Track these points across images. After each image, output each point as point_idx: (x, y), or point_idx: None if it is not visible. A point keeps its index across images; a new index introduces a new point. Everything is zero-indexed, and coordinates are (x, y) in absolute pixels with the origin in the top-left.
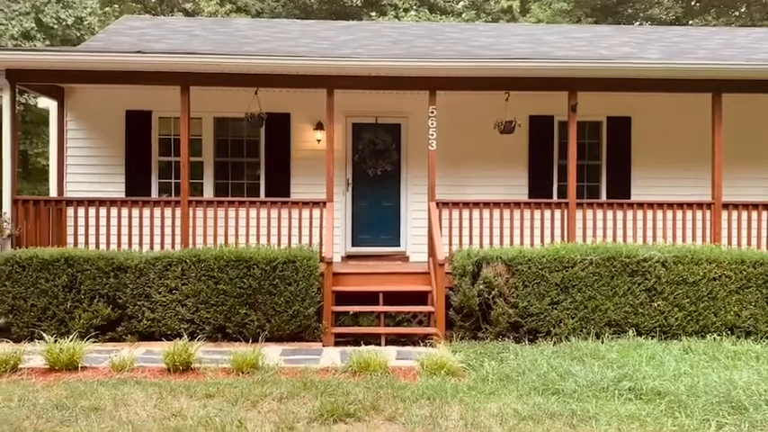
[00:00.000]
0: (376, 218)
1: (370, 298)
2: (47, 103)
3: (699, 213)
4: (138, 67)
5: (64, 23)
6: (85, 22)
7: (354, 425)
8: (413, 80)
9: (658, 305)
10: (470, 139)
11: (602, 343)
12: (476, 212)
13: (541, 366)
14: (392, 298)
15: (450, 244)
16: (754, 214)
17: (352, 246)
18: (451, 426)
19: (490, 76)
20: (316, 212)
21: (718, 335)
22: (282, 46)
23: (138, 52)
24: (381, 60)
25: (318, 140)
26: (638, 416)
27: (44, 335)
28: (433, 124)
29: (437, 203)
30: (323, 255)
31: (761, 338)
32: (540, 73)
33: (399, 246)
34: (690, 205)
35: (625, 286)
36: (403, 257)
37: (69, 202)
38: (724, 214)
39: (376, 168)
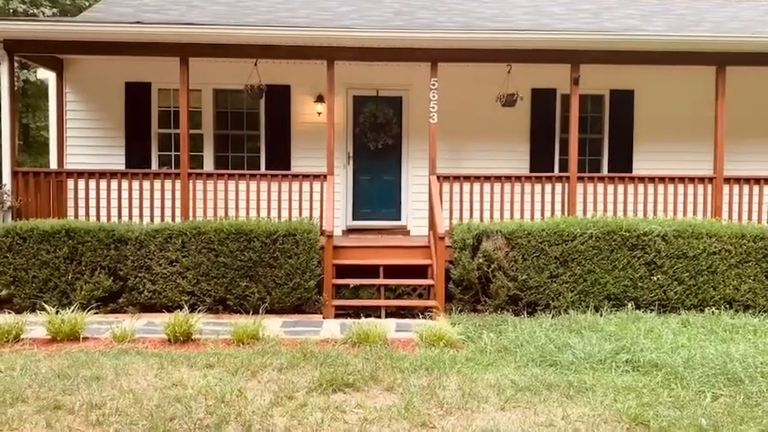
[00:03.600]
0: (377, 191)
1: (371, 271)
2: (46, 75)
3: (700, 187)
4: (137, 38)
5: None
6: None
7: (353, 394)
8: (414, 52)
9: (658, 279)
10: (472, 112)
11: (601, 316)
12: (476, 186)
13: (539, 338)
14: (392, 271)
15: (451, 218)
16: (756, 189)
17: (353, 219)
18: (449, 396)
19: (492, 48)
20: (316, 186)
21: (717, 308)
22: (283, 17)
23: (137, 23)
24: (382, 31)
25: (319, 113)
26: (635, 387)
27: (46, 306)
28: (434, 97)
29: (438, 177)
30: (323, 228)
31: (759, 312)
32: (543, 45)
33: (400, 219)
34: (691, 179)
35: (625, 260)
36: (404, 231)
37: (69, 174)
38: (725, 188)
39: (377, 142)
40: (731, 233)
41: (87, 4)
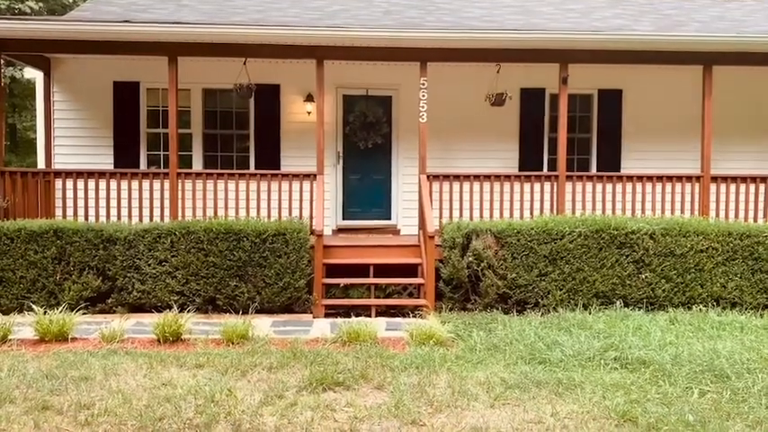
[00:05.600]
0: (367, 191)
1: (361, 270)
2: (33, 74)
3: (688, 186)
4: (126, 36)
5: None
6: None
7: (343, 393)
8: (403, 51)
9: (646, 277)
10: (461, 112)
11: (590, 314)
12: (466, 185)
13: (529, 336)
14: (382, 270)
15: (441, 216)
16: (743, 187)
17: (343, 219)
18: (439, 394)
19: (481, 48)
20: (306, 185)
21: (704, 306)
22: (272, 16)
23: (126, 22)
24: (372, 31)
25: (309, 112)
26: (623, 384)
27: (34, 306)
28: (423, 96)
29: (428, 176)
30: (313, 227)
31: (746, 309)
32: (532, 45)
33: (390, 219)
34: (679, 178)
35: (613, 258)
36: (394, 230)
37: (57, 173)
38: (712, 187)
39: (367, 141)
40: (718, 231)
41: (71, 1)
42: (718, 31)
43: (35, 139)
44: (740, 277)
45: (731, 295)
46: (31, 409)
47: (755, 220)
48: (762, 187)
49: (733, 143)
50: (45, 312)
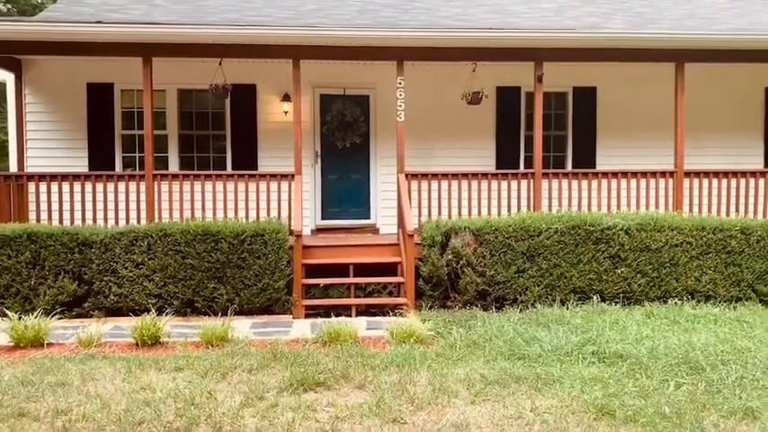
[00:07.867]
0: (345, 190)
1: (341, 270)
2: (4, 76)
3: (662, 182)
4: (98, 37)
5: None
6: None
7: (324, 393)
8: (380, 50)
9: (622, 272)
10: (439, 111)
11: (567, 309)
12: (444, 183)
13: (508, 333)
14: (362, 269)
15: (420, 215)
16: (715, 182)
17: (322, 219)
18: (420, 391)
19: (457, 47)
20: (284, 185)
21: (680, 299)
22: (247, 15)
23: (98, 22)
24: (347, 30)
25: (286, 112)
26: (601, 378)
27: (8, 312)
28: (401, 95)
29: (406, 175)
30: (292, 228)
31: (719, 302)
32: (507, 43)
33: (369, 218)
34: (653, 174)
35: (589, 254)
36: (373, 230)
37: (30, 177)
38: (686, 182)
39: (345, 140)
40: (692, 226)
41: (40, 1)
42: (689, 29)
43: (7, 142)
44: (714, 271)
45: (705, 288)
46: (6, 417)
47: (728, 214)
48: (733, 182)
49: (705, 139)
50: (20, 318)
